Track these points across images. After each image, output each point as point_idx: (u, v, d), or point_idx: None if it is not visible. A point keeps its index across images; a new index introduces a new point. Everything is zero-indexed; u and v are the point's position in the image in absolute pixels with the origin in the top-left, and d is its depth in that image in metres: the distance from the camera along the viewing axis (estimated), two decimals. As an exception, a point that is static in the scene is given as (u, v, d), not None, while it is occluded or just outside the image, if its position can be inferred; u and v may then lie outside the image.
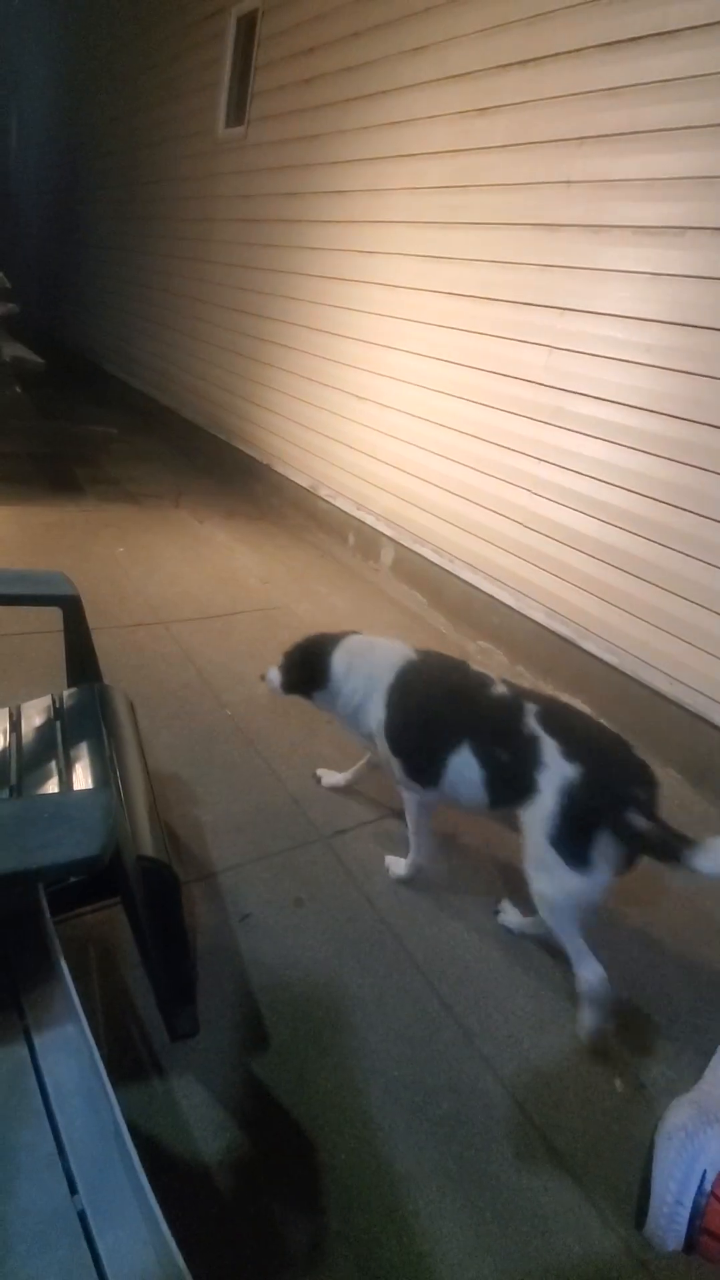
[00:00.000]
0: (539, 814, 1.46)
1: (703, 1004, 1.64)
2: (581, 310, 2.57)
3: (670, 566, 2.37)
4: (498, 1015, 1.53)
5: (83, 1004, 0.91)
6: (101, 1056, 0.86)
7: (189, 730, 2.26)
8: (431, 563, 3.37)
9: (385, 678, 1.72)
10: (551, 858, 1.45)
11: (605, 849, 1.41)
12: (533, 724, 1.50)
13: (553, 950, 1.70)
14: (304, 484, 4.30)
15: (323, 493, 4.13)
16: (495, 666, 3.00)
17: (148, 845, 1.23)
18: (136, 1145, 0.78)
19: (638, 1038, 1.54)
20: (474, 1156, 1.27)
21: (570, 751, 1.44)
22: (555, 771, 1.44)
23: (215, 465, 5.20)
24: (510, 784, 1.51)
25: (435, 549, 3.35)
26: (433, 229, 3.19)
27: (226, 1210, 1.13)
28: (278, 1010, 1.45)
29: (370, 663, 1.76)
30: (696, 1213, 0.67)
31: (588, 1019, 1.51)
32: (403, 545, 3.55)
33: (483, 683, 1.64)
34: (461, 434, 3.13)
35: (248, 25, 4.62)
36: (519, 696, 1.58)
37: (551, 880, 1.47)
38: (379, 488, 3.68)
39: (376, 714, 1.71)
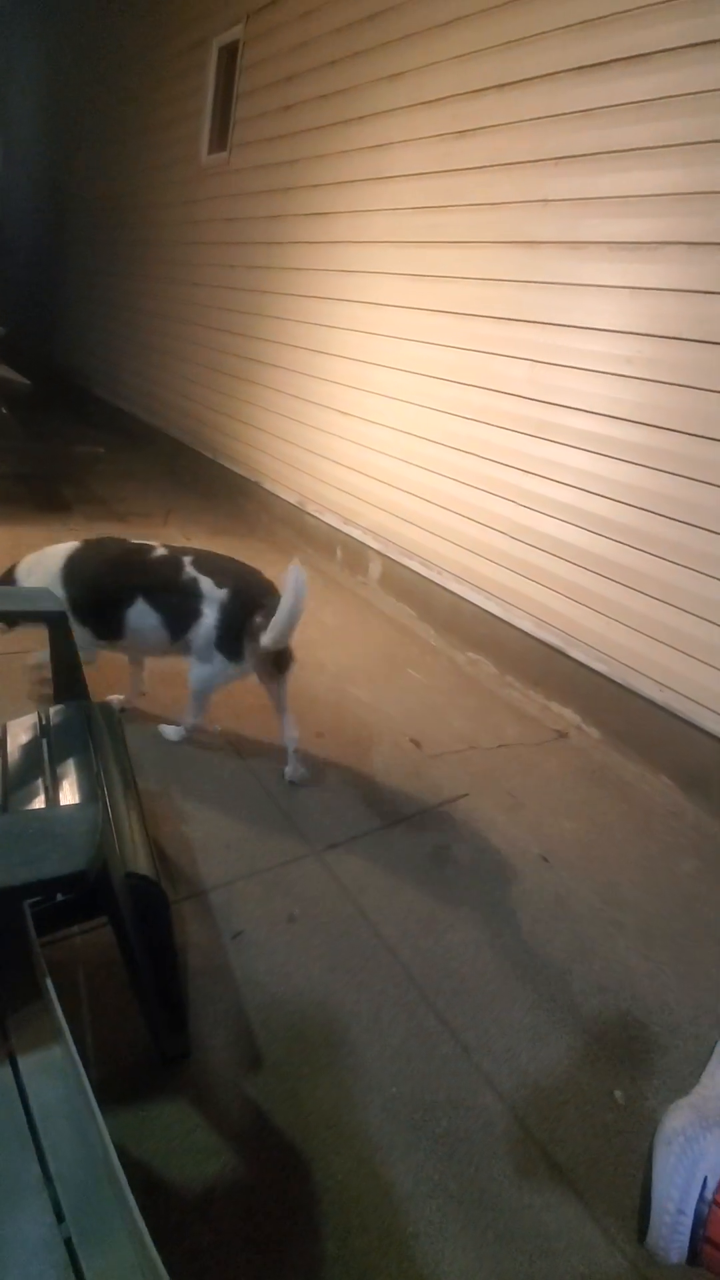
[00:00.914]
0: (205, 629, 2.02)
1: (702, 1012, 1.62)
2: (562, 325, 2.61)
3: (656, 574, 2.38)
4: (495, 1029, 1.50)
5: (70, 1026, 0.89)
6: (90, 1079, 0.84)
7: (178, 746, 2.24)
8: (419, 575, 3.38)
9: (58, 566, 2.07)
10: (217, 657, 2.04)
11: (249, 644, 2.00)
12: (189, 569, 2.03)
13: (548, 961, 1.69)
14: (291, 500, 4.32)
15: (310, 508, 4.15)
16: (485, 677, 3.01)
17: (136, 862, 1.22)
18: (126, 1170, 0.75)
19: (637, 1048, 1.52)
20: (474, 1174, 1.24)
21: (219, 582, 2.02)
22: (212, 597, 2.01)
23: (203, 483, 5.21)
24: (182, 617, 2.03)
25: (423, 561, 3.36)
26: (414, 248, 3.24)
27: (220, 1236, 1.10)
28: (272, 1029, 1.42)
29: (43, 562, 2.11)
30: (699, 1222, 0.65)
31: (172, 733, 2.22)
32: (390, 559, 3.56)
33: (144, 549, 2.10)
34: (446, 447, 3.16)
35: (229, 55, 4.72)
36: (175, 552, 2.08)
37: (212, 670, 2.07)
38: (366, 502, 3.70)
39: (59, 596, 2.00)
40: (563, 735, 2.67)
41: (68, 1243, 0.68)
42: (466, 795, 2.23)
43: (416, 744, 2.45)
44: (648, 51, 2.26)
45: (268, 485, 4.54)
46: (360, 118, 3.51)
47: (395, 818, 2.08)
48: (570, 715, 2.74)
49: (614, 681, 2.56)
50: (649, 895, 1.95)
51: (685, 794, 2.37)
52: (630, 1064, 1.48)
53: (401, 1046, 1.43)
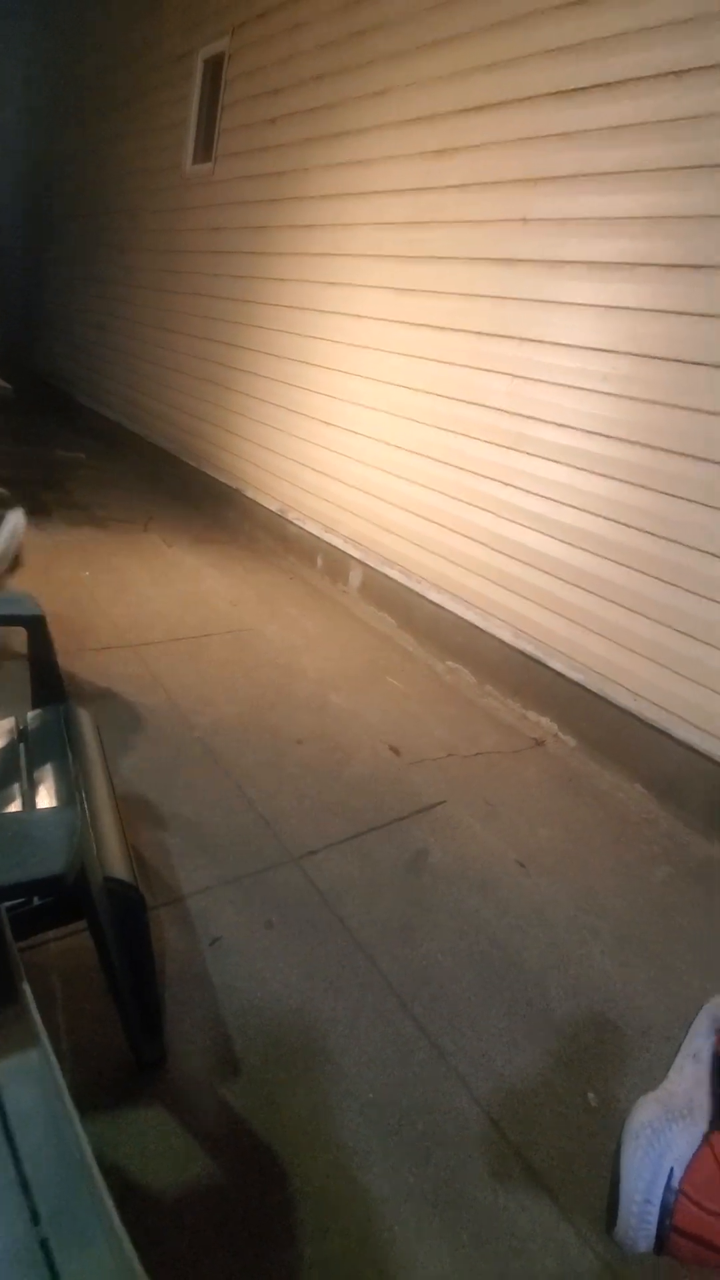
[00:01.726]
0: None
1: (674, 1016, 1.65)
2: (541, 340, 2.66)
3: (631, 586, 2.43)
4: (471, 1034, 1.52)
5: (47, 1031, 0.88)
6: (66, 1084, 0.83)
7: (157, 752, 2.23)
8: (399, 584, 3.41)
9: None
10: None
11: None
12: None
13: (525, 967, 1.70)
14: (273, 508, 4.33)
15: (291, 516, 4.17)
16: (464, 686, 3.04)
17: (114, 867, 1.21)
18: (103, 1175, 0.75)
19: (611, 1051, 1.54)
20: (450, 1177, 1.25)
21: None
22: None
23: (184, 491, 5.21)
24: None
25: (403, 571, 3.39)
26: (396, 262, 3.29)
27: (197, 1240, 1.10)
28: (248, 1035, 1.42)
29: None
30: (666, 1211, 0.67)
31: None
32: (371, 567, 3.59)
33: None
34: (427, 458, 3.19)
35: (214, 67, 4.76)
36: None
37: None
38: (347, 511, 3.72)
39: None
40: (540, 743, 2.70)
41: (44, 1244, 0.68)
42: (444, 802, 2.25)
43: (396, 751, 2.47)
44: (624, 79, 2.33)
45: (250, 493, 4.55)
46: (345, 133, 3.57)
47: (374, 824, 2.09)
48: (547, 724, 2.78)
49: (589, 690, 2.60)
50: (624, 902, 1.98)
51: (659, 802, 2.41)
52: (604, 1066, 1.50)
53: (378, 1052, 1.44)
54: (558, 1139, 1.34)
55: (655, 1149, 0.71)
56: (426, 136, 3.09)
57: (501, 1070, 1.45)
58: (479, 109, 2.83)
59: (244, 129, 4.43)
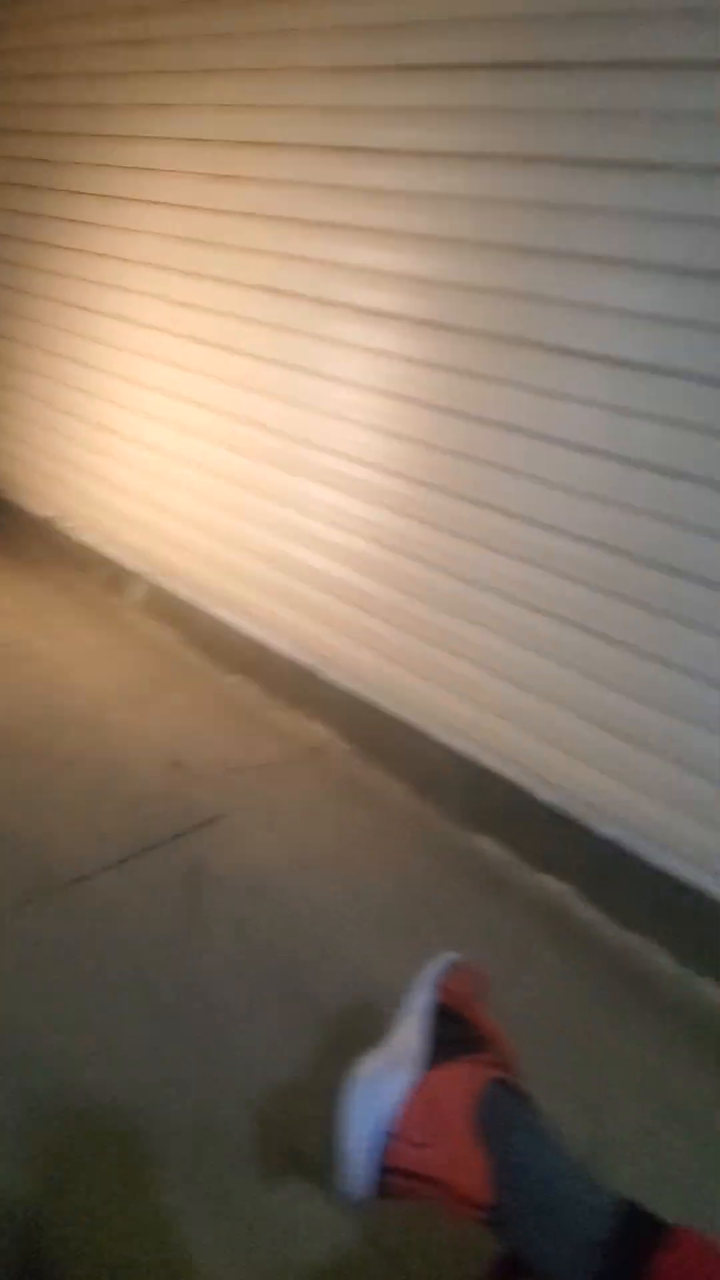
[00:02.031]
0: None
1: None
2: (316, 372, 2.83)
3: (394, 603, 2.67)
4: (243, 1040, 1.56)
5: None
6: None
7: None
8: (181, 599, 3.37)
9: None
10: None
11: None
12: None
13: (299, 964, 1.79)
14: (45, 515, 4.05)
15: (66, 525, 3.93)
16: (247, 699, 3.09)
17: None
18: None
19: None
20: (226, 1186, 1.29)
21: None
22: None
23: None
24: None
25: (185, 585, 3.37)
26: (176, 275, 3.28)
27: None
28: None
29: None
30: (380, 1154, 0.77)
31: None
32: (152, 581, 3.51)
33: None
34: (209, 473, 3.22)
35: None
36: None
37: None
38: (128, 522, 3.61)
39: None
40: (318, 751, 2.84)
41: None
42: (226, 814, 2.28)
43: (178, 766, 2.45)
44: (384, 149, 2.58)
45: (18, 498, 4.21)
46: (124, 136, 3.48)
47: (152, 842, 2.05)
48: (326, 732, 2.93)
49: (361, 699, 2.80)
50: (389, 893, 2.16)
51: (420, 798, 2.66)
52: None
53: (146, 1078, 1.43)
54: (324, 1125, 1.43)
55: (370, 1099, 0.81)
56: (206, 159, 3.13)
57: (275, 1071, 1.51)
58: (254, 144, 2.94)
59: (10, 107, 4.12)
